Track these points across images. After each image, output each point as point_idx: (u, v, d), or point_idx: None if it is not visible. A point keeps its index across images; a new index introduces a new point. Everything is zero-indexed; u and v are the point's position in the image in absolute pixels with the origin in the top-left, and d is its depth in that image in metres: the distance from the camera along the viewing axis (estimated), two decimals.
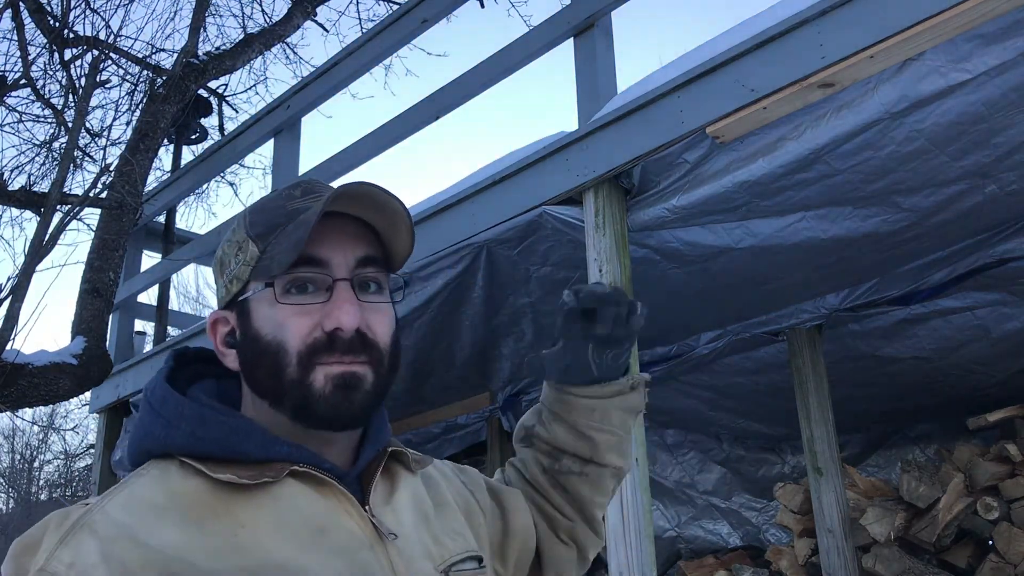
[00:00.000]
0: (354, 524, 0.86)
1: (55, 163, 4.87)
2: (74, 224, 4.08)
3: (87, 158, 5.18)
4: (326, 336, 0.88)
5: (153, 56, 5.74)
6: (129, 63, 5.48)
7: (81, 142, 4.75)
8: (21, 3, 4.88)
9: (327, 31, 7.04)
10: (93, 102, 6.06)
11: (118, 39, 5.30)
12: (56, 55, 5.14)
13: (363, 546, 0.85)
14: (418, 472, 1.02)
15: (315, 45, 21.55)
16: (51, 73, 5.31)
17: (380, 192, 0.90)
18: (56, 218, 3.96)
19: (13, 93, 4.66)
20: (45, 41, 5.11)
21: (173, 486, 0.84)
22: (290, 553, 0.81)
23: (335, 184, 0.98)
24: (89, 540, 0.78)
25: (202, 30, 5.86)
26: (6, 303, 3.64)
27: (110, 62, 5.17)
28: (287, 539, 0.82)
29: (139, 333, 5.52)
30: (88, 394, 4.91)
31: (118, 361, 4.98)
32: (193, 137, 6.18)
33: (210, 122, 6.49)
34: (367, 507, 0.89)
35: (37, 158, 5.05)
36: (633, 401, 1.12)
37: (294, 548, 0.82)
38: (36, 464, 19.04)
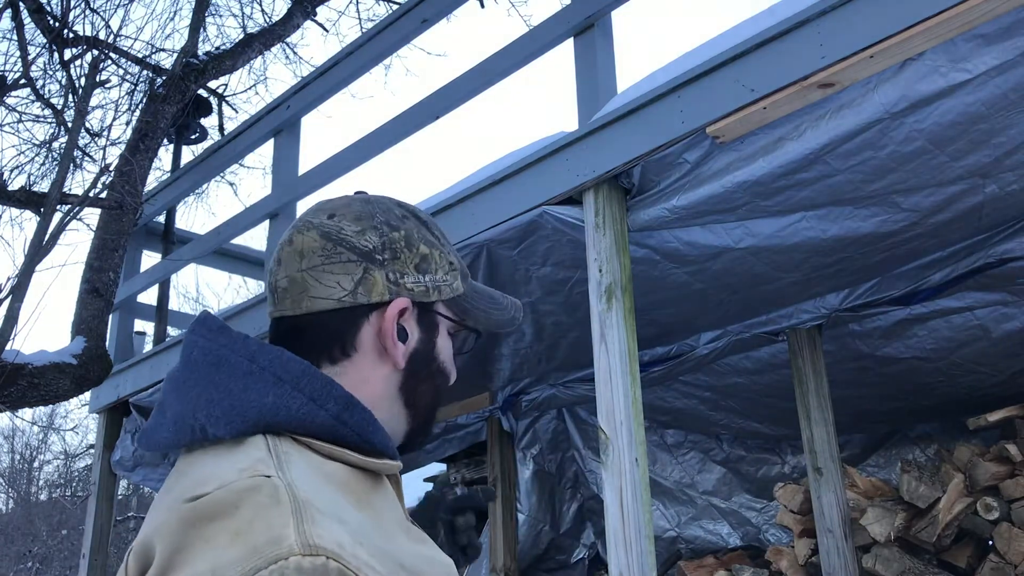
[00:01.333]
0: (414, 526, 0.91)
1: (55, 163, 4.88)
2: (74, 224, 4.08)
3: (87, 158, 5.18)
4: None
5: (153, 56, 5.75)
6: (129, 63, 5.49)
7: (81, 142, 4.76)
8: (21, 3, 4.88)
9: (327, 31, 7.05)
10: (93, 102, 6.07)
11: (118, 39, 5.30)
12: (56, 55, 5.14)
13: (430, 546, 0.89)
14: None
15: (315, 45, 21.59)
16: (51, 73, 5.32)
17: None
18: (56, 218, 3.96)
19: (13, 93, 4.66)
20: (45, 41, 5.11)
21: (322, 468, 0.80)
22: (411, 545, 0.83)
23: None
24: (325, 518, 0.71)
25: (202, 30, 5.86)
26: (6, 303, 3.64)
27: (110, 62, 5.17)
28: (402, 532, 0.84)
29: (139, 333, 5.51)
30: (88, 394, 4.91)
31: (118, 361, 4.98)
32: (193, 137, 6.18)
33: (210, 122, 6.50)
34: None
35: (37, 158, 5.05)
36: None
37: (408, 539, 0.84)
38: (36, 464, 19.05)
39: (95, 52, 4.83)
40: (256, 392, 0.82)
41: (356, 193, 0.99)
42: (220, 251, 5.75)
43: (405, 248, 0.93)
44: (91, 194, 4.20)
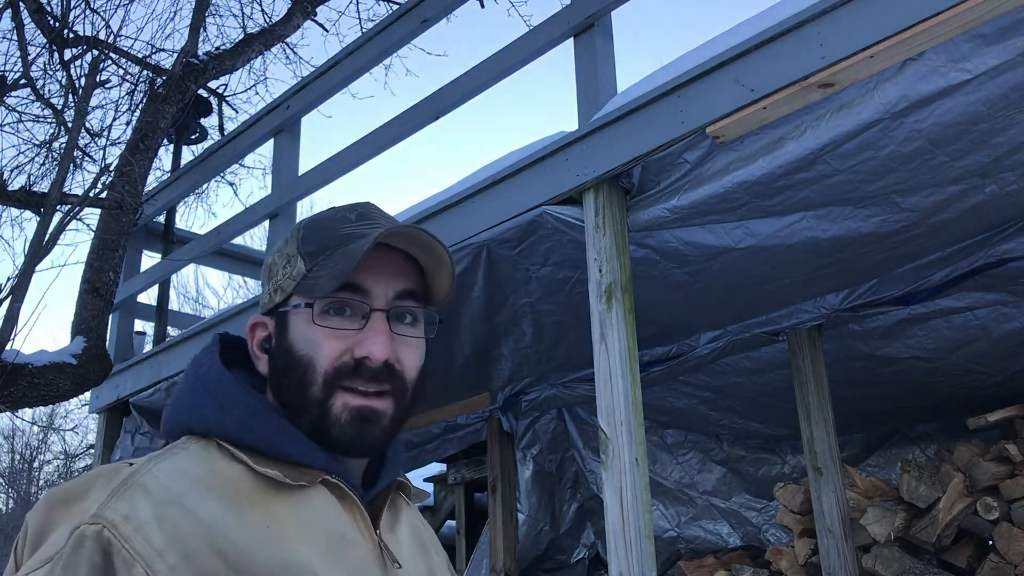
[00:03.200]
0: (367, 544, 0.90)
1: (55, 163, 4.88)
2: (74, 224, 4.08)
3: (87, 158, 5.18)
4: (354, 362, 0.91)
5: (153, 56, 5.74)
6: (129, 63, 5.49)
7: (81, 142, 4.76)
8: (21, 3, 4.88)
9: (327, 31, 7.04)
10: (93, 102, 6.07)
11: (118, 39, 5.30)
12: (56, 55, 5.14)
13: (376, 567, 0.89)
14: (414, 505, 1.07)
15: (315, 45, 21.55)
16: (51, 73, 5.31)
17: (430, 236, 0.95)
18: (56, 218, 3.96)
19: (13, 93, 4.66)
20: (45, 41, 5.11)
21: (215, 466, 0.86)
22: (314, 556, 0.84)
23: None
24: (142, 498, 0.79)
25: (202, 30, 5.86)
26: (6, 303, 3.64)
27: (110, 62, 5.17)
28: (312, 542, 0.85)
29: (139, 333, 5.51)
30: (88, 394, 4.91)
31: (118, 361, 4.98)
32: (193, 137, 6.18)
33: (210, 122, 6.50)
34: (377, 532, 0.93)
35: (37, 158, 5.05)
36: None
37: (317, 552, 0.84)
38: (36, 464, 19.04)
39: (95, 52, 4.83)
40: (187, 400, 0.93)
41: None
42: (220, 251, 5.75)
43: (263, 272, 1.03)
44: (91, 194, 4.20)
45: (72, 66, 4.95)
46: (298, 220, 1.10)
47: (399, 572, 0.92)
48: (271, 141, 4.67)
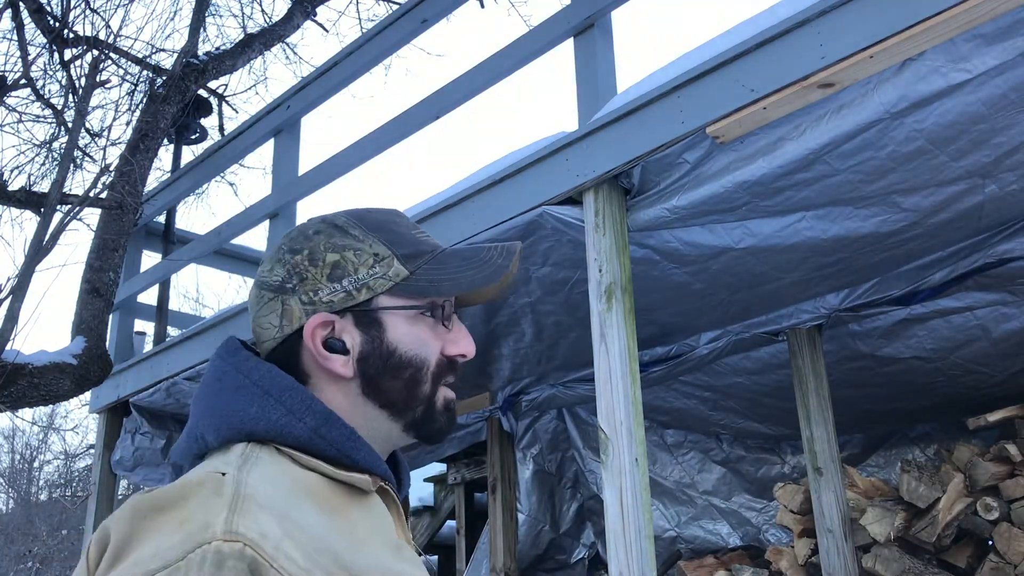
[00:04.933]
0: (411, 550, 0.92)
1: (55, 163, 4.88)
2: (74, 224, 4.07)
3: (87, 158, 5.18)
4: (447, 360, 0.98)
5: (153, 56, 5.74)
6: (129, 63, 5.49)
7: (81, 142, 4.76)
8: (21, 3, 4.88)
9: (327, 31, 7.05)
10: (93, 102, 6.07)
11: (118, 39, 5.30)
12: (56, 55, 5.14)
13: (419, 569, 0.91)
14: None
15: (315, 45, 21.58)
16: (51, 73, 5.31)
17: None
18: (56, 218, 3.96)
19: (13, 93, 4.66)
20: (45, 41, 5.11)
21: (295, 475, 0.85)
22: (391, 561, 0.85)
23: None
24: (264, 513, 0.76)
25: (202, 30, 5.86)
26: (6, 303, 3.64)
27: (110, 62, 5.17)
28: (382, 547, 0.86)
29: (139, 333, 5.51)
30: (88, 394, 4.91)
31: (118, 361, 4.98)
32: (193, 137, 6.18)
33: (210, 122, 6.49)
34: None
35: (37, 158, 5.05)
36: None
37: (390, 557, 0.86)
38: (36, 464, 19.04)
39: (95, 52, 4.83)
40: (243, 403, 0.89)
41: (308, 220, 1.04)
42: (220, 251, 5.75)
43: (310, 266, 0.96)
44: (91, 194, 4.20)
45: (72, 66, 4.95)
46: (337, 217, 1.02)
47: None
48: (271, 141, 4.67)
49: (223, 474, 0.80)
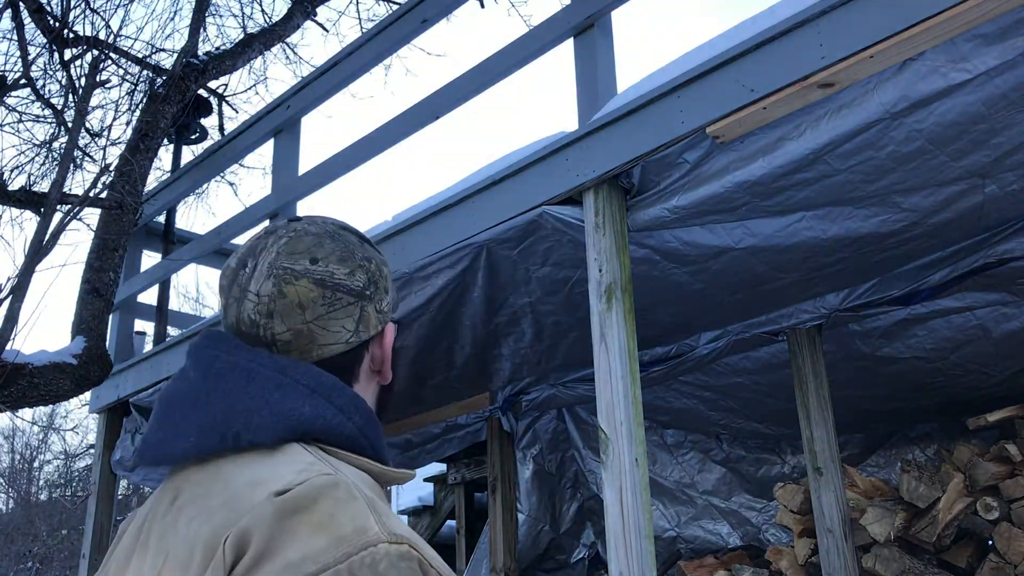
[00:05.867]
0: None
1: (55, 163, 4.87)
2: (74, 224, 4.07)
3: (87, 158, 5.18)
4: None
5: (153, 56, 5.74)
6: (129, 63, 5.48)
7: (81, 142, 4.75)
8: (21, 3, 4.88)
9: (327, 31, 7.05)
10: (93, 102, 6.07)
11: (118, 39, 5.30)
12: (56, 55, 5.14)
13: None
14: None
15: (315, 45, 21.58)
16: (51, 73, 5.31)
17: None
18: (56, 218, 3.96)
19: (13, 93, 4.66)
20: (45, 41, 5.11)
21: (351, 473, 0.87)
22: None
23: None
24: (391, 515, 0.80)
25: (202, 30, 5.86)
26: (6, 303, 3.64)
27: (110, 62, 5.16)
28: None
29: (139, 333, 5.51)
30: (88, 394, 4.91)
31: (118, 361, 4.98)
32: (193, 137, 6.18)
33: (210, 122, 6.49)
34: None
35: (37, 158, 5.04)
36: None
37: None
38: (36, 464, 19.04)
39: (95, 52, 4.83)
40: (294, 402, 0.87)
41: (290, 220, 1.02)
42: (220, 251, 5.74)
43: (380, 277, 1.01)
44: (91, 194, 4.20)
45: (72, 66, 4.95)
46: (356, 229, 1.05)
47: None
48: (271, 141, 4.66)
49: (339, 476, 0.82)
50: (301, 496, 0.78)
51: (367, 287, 0.97)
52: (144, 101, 5.06)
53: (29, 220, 7.34)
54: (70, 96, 4.86)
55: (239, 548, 0.76)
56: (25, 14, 4.95)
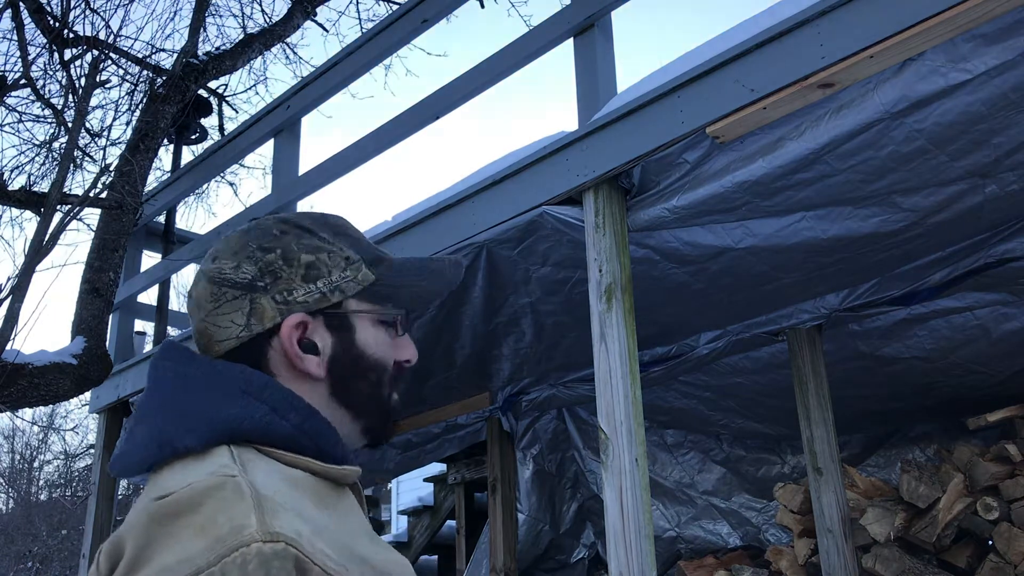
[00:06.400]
0: None
1: (55, 163, 4.87)
2: (74, 224, 4.08)
3: (87, 158, 5.18)
4: (397, 366, 1.01)
5: (153, 56, 5.74)
6: (129, 63, 5.48)
7: (81, 142, 4.75)
8: (21, 3, 4.88)
9: (327, 31, 7.05)
10: (93, 102, 6.07)
11: (118, 39, 5.30)
12: (56, 55, 5.14)
13: (394, 553, 0.92)
14: None
15: (315, 45, 21.58)
16: (51, 73, 5.31)
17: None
18: (56, 218, 3.96)
19: (13, 93, 4.66)
20: (45, 41, 5.11)
21: (284, 473, 0.85)
22: (376, 549, 0.86)
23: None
24: (287, 512, 0.77)
25: (202, 30, 5.86)
26: (6, 303, 3.64)
27: (110, 62, 5.17)
28: (366, 536, 0.87)
29: (139, 333, 5.51)
30: (88, 394, 4.91)
31: (118, 361, 4.98)
32: (193, 137, 6.17)
33: (210, 122, 6.49)
34: None
35: (37, 158, 5.04)
36: None
37: (374, 545, 0.87)
38: (36, 464, 19.04)
39: (95, 52, 4.83)
40: (222, 404, 0.87)
41: (250, 221, 1.04)
42: None
43: (284, 265, 0.95)
44: (91, 194, 4.20)
45: (72, 66, 4.94)
46: (301, 219, 1.03)
47: None
48: (271, 141, 4.67)
49: (232, 476, 0.79)
50: (183, 499, 0.76)
51: (258, 278, 0.94)
52: (144, 101, 5.06)
53: (29, 220, 7.34)
54: (70, 96, 4.86)
55: (113, 557, 0.76)
56: (25, 14, 4.95)
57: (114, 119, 10.19)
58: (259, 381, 0.89)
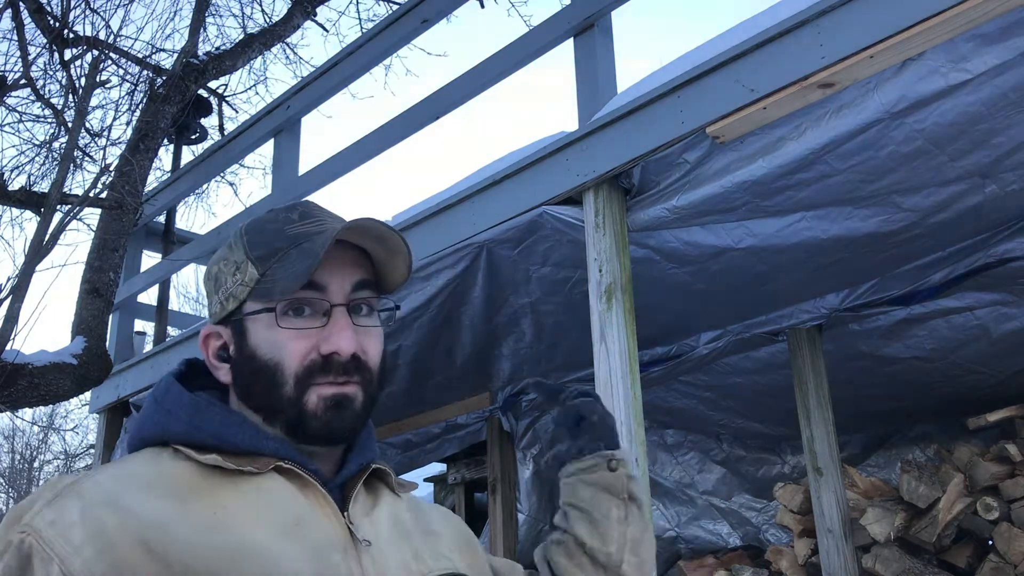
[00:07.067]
0: (330, 526, 0.91)
1: (55, 163, 4.87)
2: (74, 224, 4.08)
3: (87, 158, 5.17)
4: (322, 359, 0.94)
5: (153, 56, 5.74)
6: (129, 63, 5.48)
7: (81, 142, 4.75)
8: (21, 3, 4.87)
9: (327, 31, 7.04)
10: (93, 102, 6.07)
11: (118, 39, 5.30)
12: (56, 55, 5.14)
13: (335, 548, 0.89)
14: (403, 496, 1.07)
15: (315, 45, 21.57)
16: (51, 73, 5.31)
17: (383, 226, 0.96)
18: (56, 218, 3.96)
19: (13, 93, 4.66)
20: (45, 41, 5.11)
21: (163, 467, 0.90)
22: (265, 539, 0.85)
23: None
24: (73, 502, 0.82)
25: (202, 30, 5.86)
26: (6, 303, 3.64)
27: (110, 62, 5.16)
28: (264, 526, 0.86)
29: (139, 333, 5.51)
30: (88, 394, 4.91)
31: (118, 361, 4.98)
32: (193, 137, 6.17)
33: (210, 122, 6.49)
34: (346, 513, 0.93)
35: (37, 158, 5.04)
36: (606, 479, 1.11)
37: (270, 535, 0.86)
38: (36, 464, 19.04)
39: (95, 52, 4.83)
40: (143, 416, 0.97)
41: None
42: None
43: (209, 282, 1.02)
44: (91, 194, 4.20)
45: (72, 66, 4.94)
46: (248, 223, 1.04)
47: (371, 550, 0.92)
48: (271, 141, 4.67)
49: (80, 472, 0.91)
50: (25, 502, 0.85)
51: (211, 291, 1.02)
52: (144, 101, 5.06)
53: (29, 220, 7.34)
54: (70, 96, 4.86)
55: None
56: (25, 14, 4.94)
57: (114, 119, 10.18)
58: (165, 389, 0.97)
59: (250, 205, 4.68)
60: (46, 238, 3.85)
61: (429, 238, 3.41)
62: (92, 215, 4.64)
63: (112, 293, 4.46)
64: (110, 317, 4.71)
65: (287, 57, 9.19)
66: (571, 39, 3.21)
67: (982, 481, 3.49)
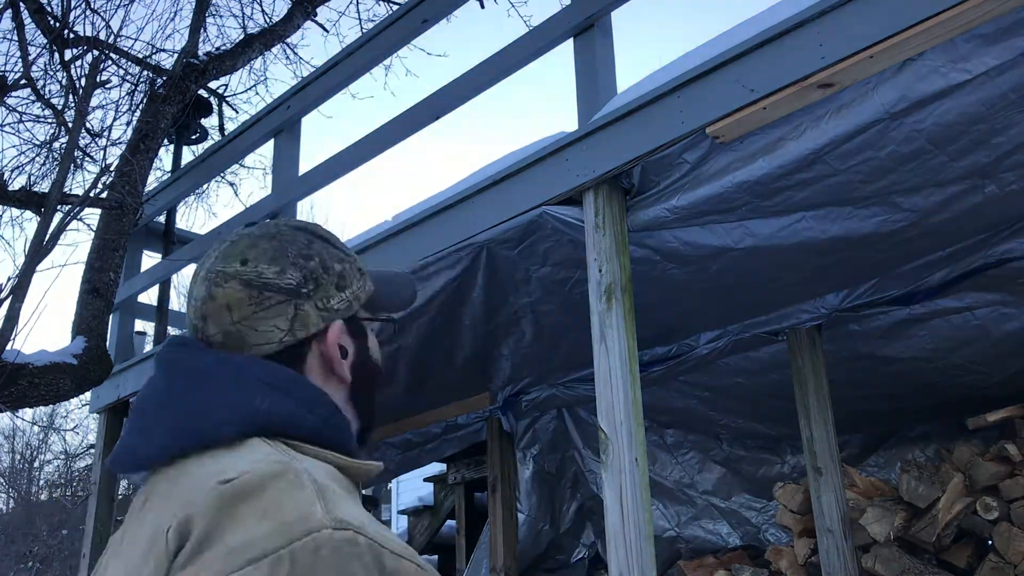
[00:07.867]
0: None
1: (55, 163, 4.87)
2: (74, 224, 4.07)
3: (87, 158, 5.17)
4: None
5: (153, 56, 5.73)
6: (129, 63, 5.48)
7: (81, 142, 4.75)
8: (21, 3, 4.88)
9: (327, 31, 7.04)
10: (93, 102, 6.06)
11: (118, 39, 5.30)
12: (56, 55, 5.14)
13: None
14: None
15: (315, 45, 21.55)
16: (51, 73, 5.30)
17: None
18: (56, 218, 3.96)
19: (13, 93, 4.66)
20: (45, 41, 5.11)
21: (321, 465, 0.87)
22: None
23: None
24: (344, 501, 0.80)
25: (202, 30, 5.86)
26: (6, 303, 3.64)
27: (110, 62, 5.17)
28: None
29: (139, 333, 5.51)
30: (88, 394, 4.91)
31: (118, 361, 4.98)
32: (193, 137, 6.17)
33: (210, 122, 6.49)
34: None
35: (37, 158, 5.04)
36: None
37: None
38: (36, 464, 19.04)
39: (95, 52, 4.83)
40: (250, 398, 0.88)
41: (245, 226, 1.05)
42: None
43: (324, 273, 0.99)
44: (91, 194, 4.20)
45: (72, 66, 4.94)
46: (317, 228, 1.05)
47: None
48: (271, 141, 4.67)
49: (289, 465, 0.82)
50: (247, 484, 0.78)
51: (303, 284, 0.96)
52: (144, 101, 5.06)
53: (29, 220, 7.34)
54: (70, 96, 4.86)
55: (182, 536, 0.77)
56: (25, 14, 4.95)
57: (114, 119, 10.18)
58: (287, 376, 0.92)
59: (250, 205, 4.68)
60: (46, 238, 3.85)
61: (429, 238, 3.41)
62: (92, 215, 4.65)
63: (112, 293, 4.47)
64: (110, 317, 4.71)
65: (287, 57, 9.20)
66: (571, 39, 3.21)
67: (982, 481, 3.49)
